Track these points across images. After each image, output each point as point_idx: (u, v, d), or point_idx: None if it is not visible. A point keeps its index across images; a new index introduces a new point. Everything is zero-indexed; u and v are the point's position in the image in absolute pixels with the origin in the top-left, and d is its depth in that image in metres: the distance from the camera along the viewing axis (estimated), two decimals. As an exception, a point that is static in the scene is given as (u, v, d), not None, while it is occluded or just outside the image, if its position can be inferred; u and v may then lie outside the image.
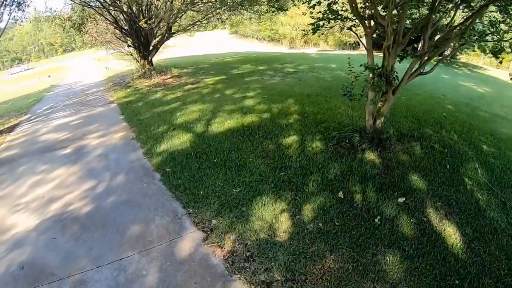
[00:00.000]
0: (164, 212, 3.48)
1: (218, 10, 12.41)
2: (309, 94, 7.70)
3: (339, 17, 4.85)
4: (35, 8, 11.75)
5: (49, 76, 25.59)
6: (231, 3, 11.60)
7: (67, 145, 5.99)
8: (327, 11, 4.73)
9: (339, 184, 3.73)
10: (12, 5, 8.66)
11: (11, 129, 8.26)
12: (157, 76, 12.21)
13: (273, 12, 12.28)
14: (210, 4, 12.06)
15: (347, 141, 4.72)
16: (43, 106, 10.92)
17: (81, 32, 14.20)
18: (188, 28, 14.26)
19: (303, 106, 6.63)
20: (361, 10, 4.66)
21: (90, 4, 11.62)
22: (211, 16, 13.52)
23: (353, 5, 4.32)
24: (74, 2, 11.94)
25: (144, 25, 10.62)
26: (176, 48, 16.65)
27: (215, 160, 4.50)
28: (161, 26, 12.42)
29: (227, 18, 14.43)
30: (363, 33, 4.74)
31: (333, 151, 4.51)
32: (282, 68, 12.35)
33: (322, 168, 4.07)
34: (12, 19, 9.12)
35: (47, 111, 9.74)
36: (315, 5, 5.07)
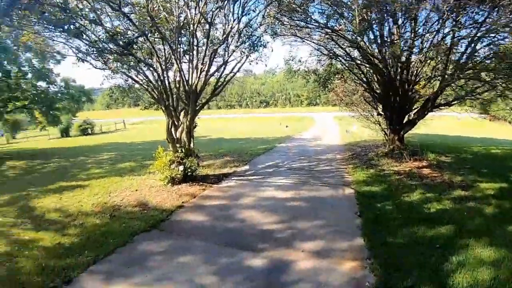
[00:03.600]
0: None
1: None
2: None
3: None
4: (286, 61, 11.70)
5: (286, 127, 28.27)
6: None
7: (261, 249, 4.02)
8: None
9: None
10: (245, 43, 8.55)
11: (218, 179, 7.73)
12: (408, 159, 8.90)
13: None
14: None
15: None
16: (267, 160, 10.57)
17: (326, 89, 12.81)
18: (453, 102, 9.67)
19: None
20: None
21: (339, 57, 10.04)
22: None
23: None
24: (322, 54, 10.71)
25: (422, 91, 7.74)
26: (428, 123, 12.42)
27: None
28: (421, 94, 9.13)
29: None
30: None
31: None
32: None
33: None
34: (248, 61, 8.86)
35: (267, 170, 9.09)
36: None
